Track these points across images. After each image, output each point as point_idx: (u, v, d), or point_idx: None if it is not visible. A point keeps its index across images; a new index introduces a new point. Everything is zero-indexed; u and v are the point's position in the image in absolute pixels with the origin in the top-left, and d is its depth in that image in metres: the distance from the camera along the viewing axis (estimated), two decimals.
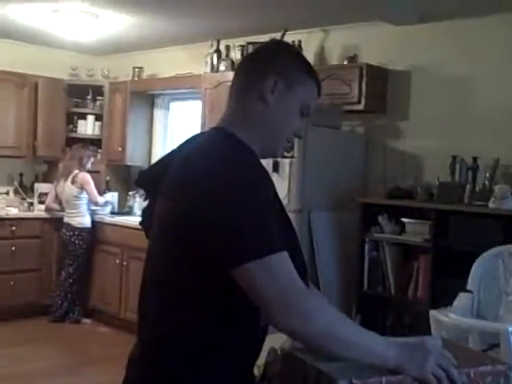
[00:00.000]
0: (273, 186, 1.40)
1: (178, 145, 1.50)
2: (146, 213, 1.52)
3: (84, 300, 6.01)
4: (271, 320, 1.28)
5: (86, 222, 5.89)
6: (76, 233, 5.83)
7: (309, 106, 1.48)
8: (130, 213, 6.26)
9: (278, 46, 1.64)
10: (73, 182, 5.84)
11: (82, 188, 5.83)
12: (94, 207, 6.01)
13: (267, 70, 1.45)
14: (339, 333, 1.28)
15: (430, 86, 4.43)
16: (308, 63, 1.52)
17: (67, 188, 5.87)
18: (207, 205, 1.28)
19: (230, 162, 1.32)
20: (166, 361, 1.38)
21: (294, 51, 1.61)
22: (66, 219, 5.89)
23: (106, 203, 6.14)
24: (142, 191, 6.04)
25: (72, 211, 5.85)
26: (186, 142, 1.48)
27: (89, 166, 5.95)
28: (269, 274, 1.24)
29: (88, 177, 5.86)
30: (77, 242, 5.83)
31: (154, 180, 1.46)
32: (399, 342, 1.34)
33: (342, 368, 1.26)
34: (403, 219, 4.07)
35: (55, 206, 6.04)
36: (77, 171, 5.85)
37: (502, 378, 1.36)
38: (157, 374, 1.39)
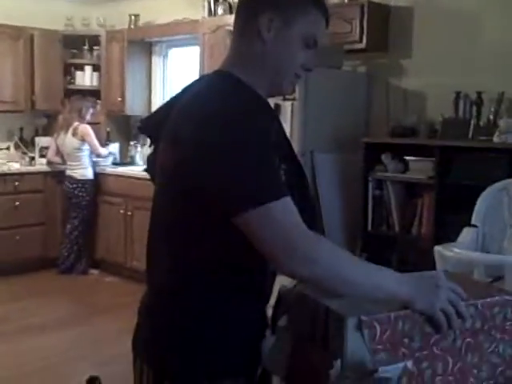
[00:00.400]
0: (277, 127, 1.37)
1: (180, 89, 1.46)
2: (150, 159, 1.50)
3: (90, 251, 6.04)
4: (275, 265, 1.28)
5: (88, 173, 5.87)
6: (79, 185, 5.82)
7: (315, 37, 1.41)
8: (131, 163, 6.24)
9: None
10: (73, 135, 5.80)
11: (83, 140, 5.80)
12: (96, 159, 5.99)
13: (261, 7, 1.39)
14: (345, 273, 1.26)
15: (433, 21, 4.33)
16: None
17: (68, 140, 5.83)
18: (206, 152, 1.25)
19: (229, 106, 1.28)
20: (176, 307, 1.38)
21: None
22: (68, 172, 5.87)
23: (109, 154, 6.11)
24: (143, 140, 6.05)
25: (74, 163, 5.83)
26: (188, 86, 1.45)
27: (88, 117, 5.90)
28: (270, 221, 1.22)
29: (88, 128, 5.82)
30: (80, 194, 5.82)
31: (156, 126, 1.44)
32: (410, 277, 1.33)
33: (351, 305, 1.26)
34: (406, 157, 4.03)
35: (57, 159, 6.01)
36: (77, 123, 5.80)
37: (509, 308, 1.36)
38: (167, 321, 1.40)
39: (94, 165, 5.98)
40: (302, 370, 1.34)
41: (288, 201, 1.25)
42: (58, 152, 5.98)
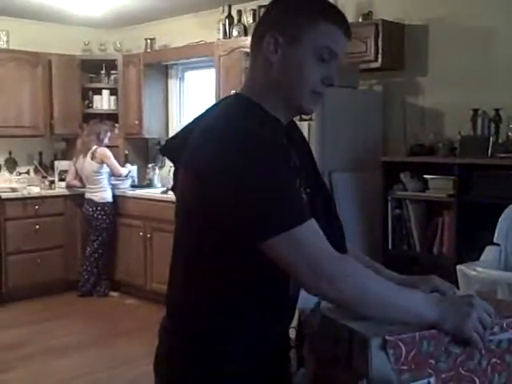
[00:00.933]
0: (290, 154, 1.38)
1: (200, 113, 1.47)
2: (174, 179, 1.50)
3: (110, 274, 6.06)
4: (305, 289, 1.27)
5: (107, 196, 5.91)
6: (98, 208, 5.86)
7: (329, 49, 1.35)
8: (150, 185, 6.27)
9: None
10: (92, 158, 5.85)
11: (101, 163, 5.85)
12: (115, 181, 6.03)
13: (264, 28, 1.37)
14: (373, 295, 1.26)
15: (448, 39, 4.33)
16: (319, 2, 1.38)
17: (87, 164, 5.88)
18: (226, 180, 1.25)
19: (246, 133, 1.27)
20: (193, 327, 1.39)
21: None
22: (87, 195, 5.92)
23: (129, 173, 6.15)
24: (161, 163, 6.09)
25: (93, 187, 5.88)
26: (208, 110, 1.46)
27: (106, 140, 5.95)
28: (296, 246, 1.23)
29: (107, 151, 5.87)
30: (99, 217, 5.86)
31: (176, 149, 1.44)
32: (438, 298, 1.32)
33: (374, 325, 1.26)
34: (426, 176, 4.01)
35: (76, 182, 6.07)
36: (95, 147, 5.86)
37: None
38: (185, 340, 1.40)
39: (113, 187, 6.02)
40: None
41: (312, 223, 1.25)
42: (77, 175, 6.04)
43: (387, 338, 1.20)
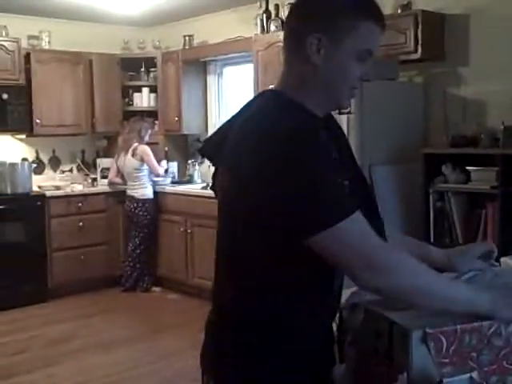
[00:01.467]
0: (331, 149, 1.38)
1: (237, 110, 1.48)
2: (214, 177, 1.52)
3: (152, 269, 6.13)
4: (355, 282, 1.27)
5: (148, 193, 5.98)
6: (140, 204, 5.93)
7: (368, 49, 1.37)
8: (190, 181, 6.32)
9: None
10: (133, 155, 5.93)
11: (142, 160, 5.91)
12: (155, 178, 6.09)
13: (309, 27, 1.35)
14: (424, 285, 1.26)
15: (490, 28, 4.24)
16: (363, 3, 1.37)
17: (128, 161, 5.96)
18: (270, 177, 1.25)
19: (285, 127, 1.27)
20: (239, 324, 1.40)
21: None
22: (128, 192, 6.00)
23: (167, 171, 6.21)
24: (201, 159, 6.13)
25: (134, 183, 5.95)
26: (244, 106, 1.46)
27: (147, 138, 6.02)
28: (343, 240, 1.23)
29: (147, 149, 5.94)
30: (141, 213, 5.93)
31: (214, 148, 1.45)
32: (489, 288, 1.32)
33: (415, 317, 1.25)
34: (468, 167, 3.94)
35: (118, 180, 6.15)
36: (136, 144, 5.93)
37: None
38: (231, 337, 1.41)
39: (154, 184, 6.08)
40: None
41: (357, 215, 1.25)
42: (119, 173, 6.12)
43: (427, 330, 1.20)
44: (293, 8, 1.45)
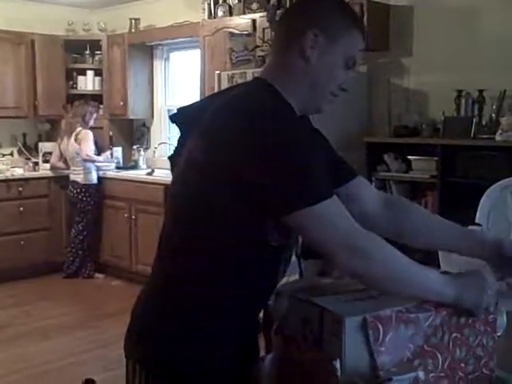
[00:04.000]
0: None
1: (220, 90, 1.50)
2: (176, 149, 1.49)
3: (95, 255, 6.05)
4: (333, 263, 1.27)
5: (91, 178, 5.88)
6: (83, 190, 5.83)
7: (354, 58, 1.41)
8: (135, 167, 6.25)
9: None
10: (76, 140, 5.81)
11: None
12: (98, 163, 5.97)
13: (307, 22, 1.38)
14: (399, 271, 1.27)
15: (434, 19, 4.31)
16: (352, 11, 1.46)
17: (70, 146, 5.84)
18: (257, 149, 1.24)
19: (270, 109, 1.29)
20: (173, 295, 1.39)
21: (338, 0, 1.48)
22: (71, 177, 5.88)
23: (108, 158, 6.11)
24: (146, 144, 6.05)
25: (77, 168, 5.84)
26: (226, 89, 1.48)
27: (92, 122, 5.91)
28: (324, 220, 1.24)
29: (89, 134, 5.83)
30: (84, 198, 5.83)
31: (189, 119, 1.43)
32: (457, 277, 1.34)
33: (343, 303, 1.25)
34: (409, 157, 4.01)
35: (60, 164, 6.02)
36: (79, 128, 5.81)
37: None
38: (161, 311, 1.40)
39: (98, 169, 5.98)
40: (293, 373, 1.32)
41: (335, 199, 1.26)
42: (62, 157, 5.99)
43: (368, 318, 1.19)
44: (293, 5, 1.53)
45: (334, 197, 1.26)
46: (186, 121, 1.46)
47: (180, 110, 1.53)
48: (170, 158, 1.52)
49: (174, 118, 1.51)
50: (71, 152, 5.85)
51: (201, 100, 1.52)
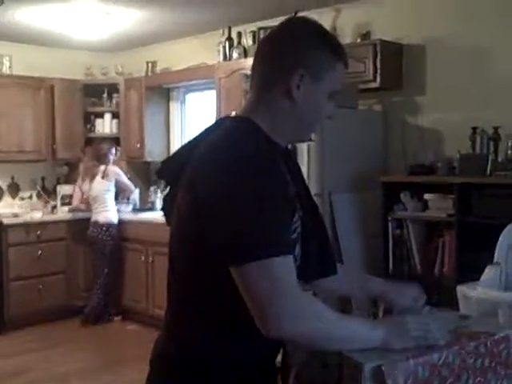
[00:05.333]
0: (294, 177, 1.41)
1: (200, 132, 1.47)
2: (166, 200, 1.50)
3: (116, 299, 6.00)
4: (258, 321, 1.24)
5: (112, 217, 5.87)
6: (103, 229, 5.79)
7: (338, 90, 1.43)
8: (152, 208, 6.27)
9: (302, 27, 1.45)
10: (103, 177, 5.84)
11: (113, 181, 5.86)
12: (121, 203, 6.03)
13: (292, 62, 1.38)
14: (325, 331, 1.28)
15: (446, 58, 4.32)
16: (336, 43, 1.43)
17: (97, 184, 5.85)
18: (217, 203, 1.25)
19: (245, 160, 1.27)
20: (179, 353, 1.39)
21: (321, 32, 1.44)
22: (93, 217, 5.86)
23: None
24: (163, 186, 6.08)
25: (100, 206, 5.82)
26: (207, 130, 1.45)
27: (111, 159, 5.96)
28: (266, 276, 1.21)
29: (118, 169, 5.94)
30: (104, 237, 5.79)
31: (174, 171, 1.43)
32: (382, 321, 1.41)
33: (365, 350, 1.26)
34: (426, 195, 3.97)
35: (82, 206, 6.04)
36: (103, 166, 5.87)
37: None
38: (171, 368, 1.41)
39: (118, 210, 6.00)
40: None
41: (288, 260, 1.24)
42: (83, 199, 6.01)
43: (384, 368, 1.19)
44: (275, 39, 1.45)
45: (287, 257, 1.24)
46: (172, 175, 1.46)
47: (164, 163, 1.53)
48: (162, 209, 1.53)
49: (160, 174, 1.52)
50: (97, 190, 5.85)
51: (182, 148, 1.49)
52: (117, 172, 5.91)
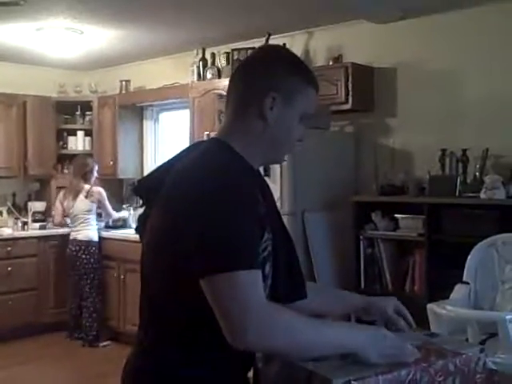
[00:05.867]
0: (266, 199, 1.42)
1: (176, 153, 1.51)
2: (141, 220, 1.52)
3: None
4: (225, 333, 1.25)
5: (92, 235, 5.78)
6: (82, 247, 5.69)
7: (310, 114, 1.47)
8: (123, 226, 6.24)
9: (274, 54, 1.54)
10: (87, 196, 5.73)
11: (96, 202, 5.77)
12: (103, 221, 6.01)
13: (265, 85, 1.43)
14: (300, 342, 1.29)
15: (416, 81, 4.44)
16: (306, 69, 1.50)
17: (80, 203, 5.73)
18: (190, 213, 1.29)
19: (219, 176, 1.32)
20: (157, 374, 1.40)
21: (292, 59, 1.51)
22: (72, 235, 5.78)
23: (120, 219, 6.15)
24: (136, 203, 6.07)
25: (80, 225, 5.74)
26: (184, 151, 1.50)
27: (92, 180, 5.85)
28: (234, 288, 1.23)
29: (103, 192, 5.84)
30: (83, 256, 5.68)
31: (151, 189, 1.47)
32: (363, 327, 1.40)
33: (333, 367, 1.27)
34: (396, 215, 4.07)
35: (68, 220, 5.91)
36: (87, 186, 5.76)
37: (480, 361, 1.41)
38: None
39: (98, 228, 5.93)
40: None
41: (257, 274, 1.27)
42: (64, 214, 5.93)
43: (352, 381, 1.21)
44: (249, 65, 1.52)
45: (254, 271, 1.26)
46: (149, 192, 1.49)
47: (141, 181, 1.57)
48: (136, 229, 1.55)
49: (136, 192, 1.56)
50: (80, 209, 5.74)
51: (159, 167, 1.52)
52: (101, 194, 5.79)
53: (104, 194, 5.84)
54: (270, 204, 1.49)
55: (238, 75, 1.51)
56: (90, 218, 5.78)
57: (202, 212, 1.27)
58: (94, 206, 5.80)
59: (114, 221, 6.12)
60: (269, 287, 1.42)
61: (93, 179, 5.87)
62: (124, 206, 6.40)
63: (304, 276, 1.54)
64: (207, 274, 1.25)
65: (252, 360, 1.45)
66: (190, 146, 1.52)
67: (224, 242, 1.25)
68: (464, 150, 3.95)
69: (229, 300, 1.24)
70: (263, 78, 1.45)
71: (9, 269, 5.81)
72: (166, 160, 1.52)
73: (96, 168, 5.92)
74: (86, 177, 5.80)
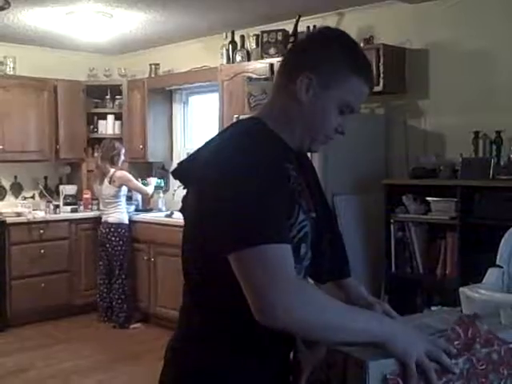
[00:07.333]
0: (293, 177, 1.38)
1: (215, 134, 1.50)
2: (183, 201, 1.51)
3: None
4: (253, 310, 1.22)
5: (123, 217, 5.81)
6: (112, 229, 5.74)
7: (350, 106, 1.41)
8: (154, 209, 6.28)
9: (325, 36, 1.48)
10: (110, 182, 5.78)
11: (120, 187, 5.78)
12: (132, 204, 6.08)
13: (303, 65, 1.41)
14: (330, 321, 1.23)
15: (449, 62, 4.37)
16: (357, 57, 1.43)
17: (105, 188, 5.80)
18: (218, 190, 1.28)
19: (246, 153, 1.30)
20: (202, 353, 1.40)
21: (343, 43, 1.44)
22: (103, 217, 5.85)
23: (155, 188, 6.12)
24: (165, 187, 6.10)
25: (110, 208, 5.80)
26: (222, 132, 1.49)
27: (120, 163, 5.87)
28: (258, 263, 1.20)
29: (127, 174, 5.84)
30: (113, 238, 5.73)
31: (186, 171, 1.47)
32: (393, 321, 1.37)
33: (368, 350, 1.25)
34: (428, 198, 4.02)
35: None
36: (112, 170, 5.78)
37: None
38: (186, 366, 1.42)
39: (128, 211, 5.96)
40: None
41: (282, 249, 1.23)
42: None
43: (388, 376, 1.21)
44: (296, 45, 1.53)
45: (283, 245, 1.22)
46: (184, 174, 1.49)
47: (179, 164, 1.55)
48: (180, 211, 1.53)
49: (175, 174, 1.53)
50: (106, 194, 5.80)
51: (198, 149, 1.48)
52: (124, 179, 5.78)
53: (126, 176, 5.82)
54: (309, 180, 1.49)
55: (285, 56, 1.51)
56: (118, 201, 5.81)
57: (229, 190, 1.26)
58: (119, 190, 5.80)
59: (150, 196, 6.11)
60: (305, 268, 1.41)
61: (120, 162, 5.90)
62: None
63: (347, 254, 1.54)
64: (234, 250, 1.23)
65: (293, 345, 1.43)
66: (227, 127, 1.50)
67: (250, 217, 1.23)
68: (498, 132, 3.89)
69: (255, 274, 1.20)
70: (306, 59, 1.42)
71: (41, 251, 5.90)
72: (204, 142, 1.51)
73: (123, 151, 5.94)
74: (113, 160, 5.83)
